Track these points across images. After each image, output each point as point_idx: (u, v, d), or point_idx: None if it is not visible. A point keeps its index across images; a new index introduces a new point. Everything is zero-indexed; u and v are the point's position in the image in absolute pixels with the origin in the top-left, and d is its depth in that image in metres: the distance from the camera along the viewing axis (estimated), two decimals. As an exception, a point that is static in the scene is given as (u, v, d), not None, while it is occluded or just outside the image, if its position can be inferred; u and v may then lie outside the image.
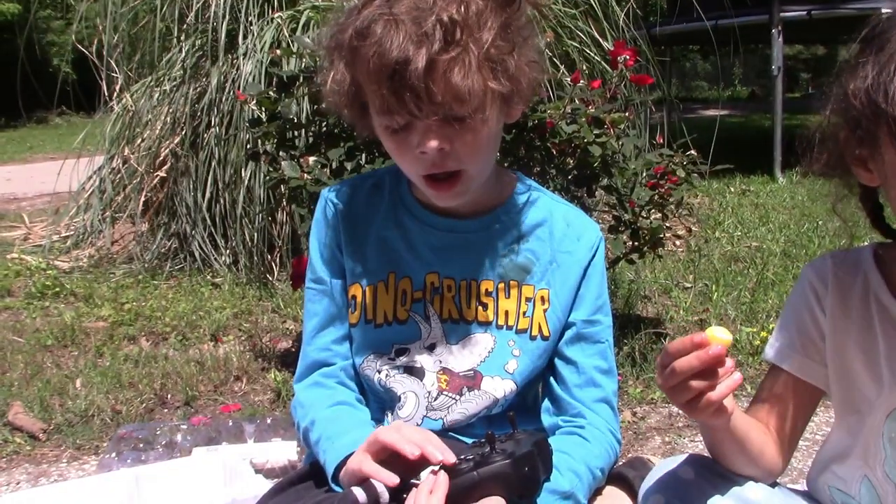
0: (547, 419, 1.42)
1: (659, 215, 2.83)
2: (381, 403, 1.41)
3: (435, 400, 1.37)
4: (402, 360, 1.38)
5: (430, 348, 1.39)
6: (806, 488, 1.51)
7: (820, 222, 4.98)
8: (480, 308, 1.37)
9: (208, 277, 4.11)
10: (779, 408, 1.37)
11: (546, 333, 1.38)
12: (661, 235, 2.81)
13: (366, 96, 1.26)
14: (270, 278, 3.98)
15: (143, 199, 4.78)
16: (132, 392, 2.64)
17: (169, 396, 2.65)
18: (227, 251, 4.29)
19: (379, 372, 1.39)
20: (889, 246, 1.31)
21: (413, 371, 1.38)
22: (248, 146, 3.90)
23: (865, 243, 1.34)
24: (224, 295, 3.80)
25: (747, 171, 6.85)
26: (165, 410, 2.57)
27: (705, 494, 1.30)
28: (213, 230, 4.34)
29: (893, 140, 1.06)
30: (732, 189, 6.40)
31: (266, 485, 1.53)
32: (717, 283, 3.73)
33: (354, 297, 1.40)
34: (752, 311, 3.31)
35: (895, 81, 1.05)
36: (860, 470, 1.32)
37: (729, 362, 1.12)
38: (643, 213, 2.79)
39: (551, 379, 1.42)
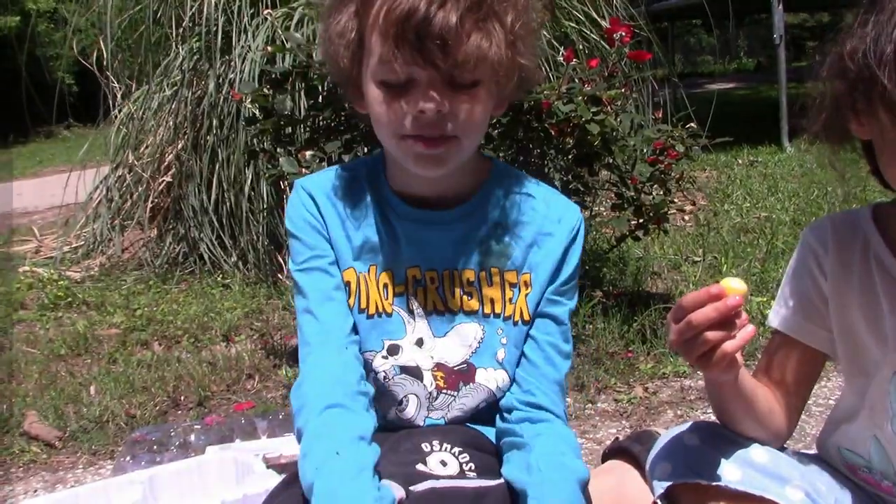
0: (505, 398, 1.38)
1: (661, 191, 2.82)
2: (386, 399, 1.39)
3: (436, 400, 1.36)
4: (396, 359, 1.36)
5: (419, 343, 1.36)
6: (817, 452, 1.50)
7: (829, 189, 4.94)
8: (465, 297, 1.35)
9: (218, 279, 4.12)
10: (783, 373, 1.36)
11: (526, 318, 1.36)
12: (665, 210, 2.80)
13: (366, 47, 1.22)
14: (280, 276, 3.99)
15: (149, 205, 4.80)
16: (145, 396, 2.65)
17: (182, 398, 2.66)
18: (236, 252, 4.30)
19: (377, 372, 1.36)
20: (887, 205, 1.30)
21: (410, 371, 1.36)
22: (248, 145, 3.91)
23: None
24: (234, 295, 3.81)
25: (755, 142, 6.80)
26: (179, 412, 2.58)
27: (712, 460, 1.30)
28: (220, 232, 4.34)
29: (885, 103, 1.05)
30: (740, 161, 6.36)
31: (277, 479, 1.53)
32: (727, 255, 3.71)
33: (349, 282, 1.35)
34: (762, 282, 3.29)
35: (889, 44, 1.04)
36: (869, 430, 1.31)
37: (743, 314, 1.11)
38: (645, 190, 2.78)
39: None
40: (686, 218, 4.61)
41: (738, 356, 1.14)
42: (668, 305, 2.95)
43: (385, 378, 1.36)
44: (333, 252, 1.35)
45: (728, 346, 1.10)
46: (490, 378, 1.37)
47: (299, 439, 1.25)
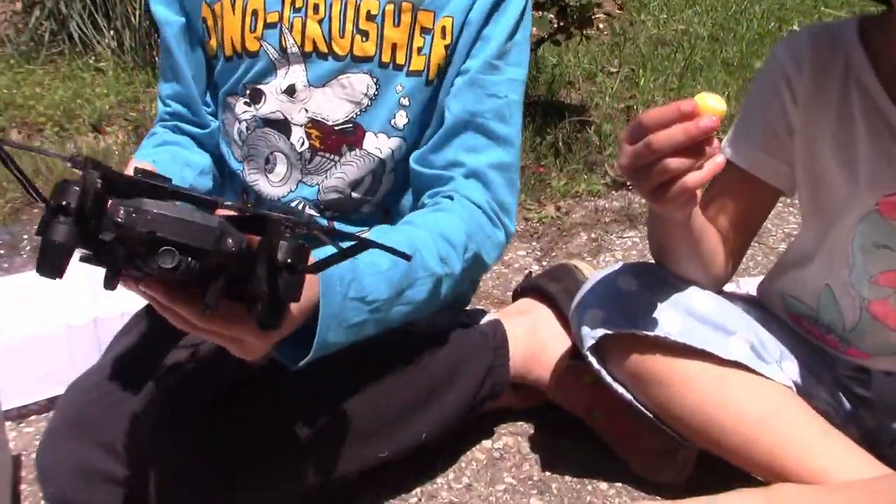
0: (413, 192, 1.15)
1: (588, -9, 2.55)
2: (252, 159, 1.17)
3: (309, 162, 1.12)
4: (259, 108, 1.12)
5: (290, 92, 1.10)
6: (747, 291, 1.36)
7: (746, 4, 4.76)
8: (359, 37, 1.08)
9: (90, 61, 3.68)
10: (730, 208, 1.18)
11: (432, 76, 1.10)
12: (590, 13, 2.55)
13: None
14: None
15: (11, -27, 4.24)
16: (-4, 193, 2.32)
17: (39, 195, 2.34)
18: (111, 32, 3.85)
19: (238, 122, 1.13)
20: (876, 19, 1.09)
21: (275, 124, 1.12)
22: None
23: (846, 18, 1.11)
24: (108, 81, 3.41)
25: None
26: (35, 211, 2.27)
27: (649, 306, 1.13)
28: (92, 9, 3.87)
29: None
30: (658, -32, 6.06)
31: (135, 304, 1.28)
32: (644, 67, 3.50)
33: (205, 19, 1.12)
34: (680, 98, 3.11)
35: None
36: (822, 278, 1.16)
37: (715, 141, 0.91)
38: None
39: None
40: (601, 27, 4.35)
41: (698, 191, 0.95)
42: (582, 118, 2.75)
43: (247, 128, 1.13)
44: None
45: (691, 178, 0.89)
46: (382, 146, 1.12)
47: None
